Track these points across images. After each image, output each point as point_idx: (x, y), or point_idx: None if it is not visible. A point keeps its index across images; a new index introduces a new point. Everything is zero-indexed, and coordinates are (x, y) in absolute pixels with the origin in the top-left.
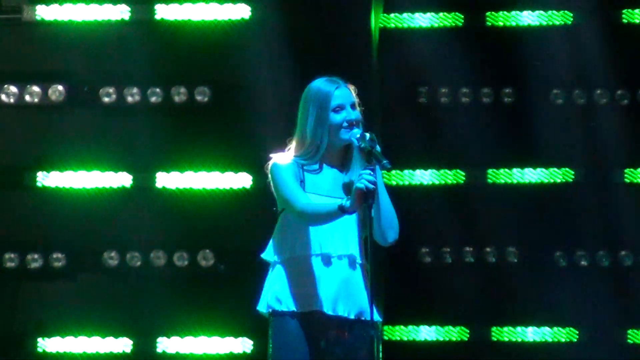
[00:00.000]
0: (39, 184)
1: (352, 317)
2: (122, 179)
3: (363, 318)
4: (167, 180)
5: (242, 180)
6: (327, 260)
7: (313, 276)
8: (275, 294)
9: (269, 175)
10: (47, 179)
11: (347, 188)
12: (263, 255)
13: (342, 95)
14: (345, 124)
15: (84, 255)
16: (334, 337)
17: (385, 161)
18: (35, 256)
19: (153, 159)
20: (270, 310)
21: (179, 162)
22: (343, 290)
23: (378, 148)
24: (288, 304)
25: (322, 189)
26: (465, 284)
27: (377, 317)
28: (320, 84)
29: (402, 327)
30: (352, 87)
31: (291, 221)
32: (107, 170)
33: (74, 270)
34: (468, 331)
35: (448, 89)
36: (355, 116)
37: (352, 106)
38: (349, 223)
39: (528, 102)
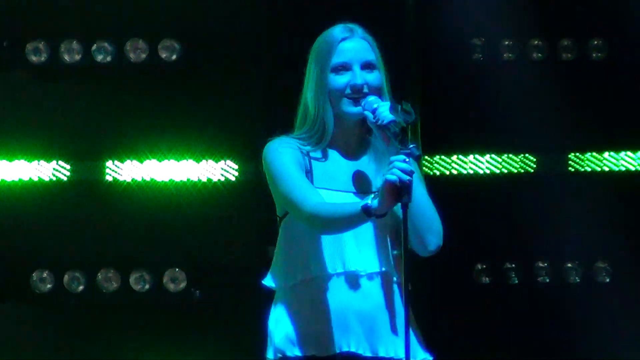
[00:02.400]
0: None
1: (398, 357)
2: (57, 170)
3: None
4: (121, 171)
5: (225, 170)
6: (354, 281)
7: (337, 304)
8: (285, 333)
9: (264, 165)
10: None
11: (366, 181)
12: (265, 282)
13: (348, 50)
14: (348, 91)
15: (5, 277)
16: None
17: (412, 145)
18: None
19: (100, 143)
20: (280, 356)
21: (138, 147)
22: (380, 322)
23: (397, 128)
24: (305, 347)
25: (337, 182)
26: (538, 312)
27: (426, 357)
28: (327, 33)
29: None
30: (372, 40)
31: (299, 230)
32: (36, 159)
33: None
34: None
35: (513, 40)
36: (365, 80)
37: (366, 66)
38: (378, 230)
39: (625, 59)
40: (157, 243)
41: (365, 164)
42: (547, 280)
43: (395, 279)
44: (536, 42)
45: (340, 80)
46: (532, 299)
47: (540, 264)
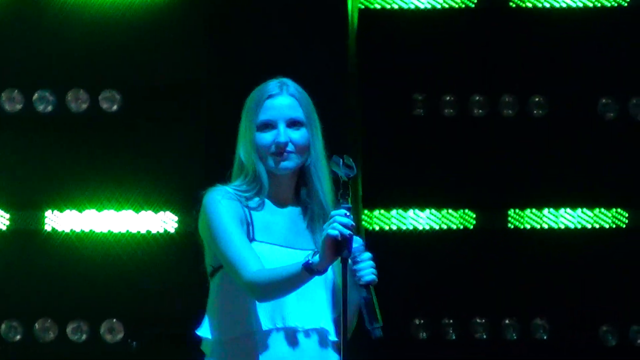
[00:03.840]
0: None
1: None
2: None
3: None
4: (60, 221)
5: (164, 222)
6: (292, 336)
7: (290, 356)
8: None
9: (202, 214)
10: None
11: (302, 234)
12: (199, 332)
13: (274, 107)
14: (272, 149)
15: None
16: None
17: (376, 325)
18: None
19: (39, 192)
20: None
21: (76, 197)
22: None
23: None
24: None
25: (275, 235)
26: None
27: None
28: (257, 89)
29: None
30: (301, 97)
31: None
32: None
33: None
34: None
35: (454, 96)
36: (289, 137)
37: (291, 124)
38: (316, 285)
39: (566, 115)
40: (95, 293)
41: (297, 215)
42: (484, 337)
43: (332, 337)
44: (477, 97)
45: (265, 138)
46: (469, 355)
47: (478, 320)
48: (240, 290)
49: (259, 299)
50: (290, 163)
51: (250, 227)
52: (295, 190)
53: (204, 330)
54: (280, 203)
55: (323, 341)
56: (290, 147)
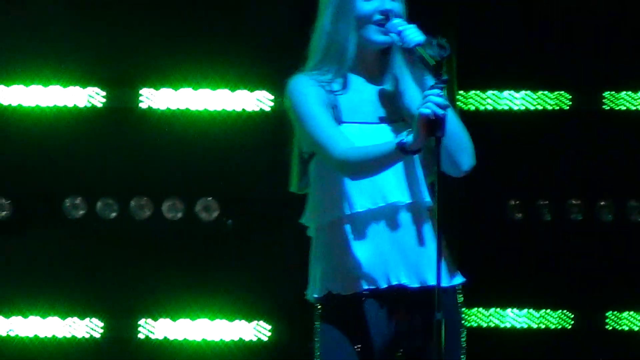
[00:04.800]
0: None
1: (446, 283)
2: (92, 97)
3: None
4: (155, 99)
5: (260, 100)
6: (393, 213)
7: (379, 238)
8: (328, 271)
9: (287, 105)
10: None
11: (393, 108)
12: (302, 220)
13: None
14: (377, 17)
15: (37, 203)
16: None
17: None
18: None
19: (136, 70)
20: (324, 294)
21: (172, 75)
22: (422, 252)
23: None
24: (351, 283)
25: (364, 113)
26: (571, 251)
27: (458, 280)
28: None
29: (481, 310)
30: None
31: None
32: (71, 85)
33: (22, 223)
34: (572, 316)
35: None
36: (393, 6)
37: None
38: (410, 159)
39: None
40: (190, 172)
41: (388, 88)
42: (580, 218)
43: (428, 207)
44: None
45: (368, 5)
46: (564, 236)
47: (574, 202)
48: (336, 174)
49: (351, 177)
50: (399, 21)
51: (337, 110)
52: (381, 64)
53: (306, 218)
54: (367, 77)
55: (422, 213)
56: (392, 16)
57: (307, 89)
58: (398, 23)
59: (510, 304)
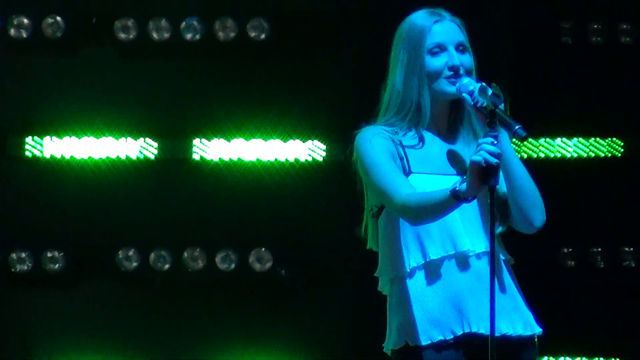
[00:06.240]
0: (27, 153)
1: (517, 333)
2: (144, 148)
3: (529, 333)
4: (208, 150)
5: (312, 150)
6: (464, 261)
7: (453, 287)
8: (405, 322)
9: (355, 156)
10: (40, 146)
11: (462, 163)
12: (378, 274)
13: (443, 32)
14: (447, 72)
15: (90, 255)
16: None
17: (518, 126)
18: (22, 255)
19: (188, 121)
20: (403, 345)
21: (225, 126)
22: (495, 300)
23: (502, 106)
24: (428, 333)
25: (434, 165)
26: (624, 297)
27: (539, 331)
28: (415, 17)
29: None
30: (460, 23)
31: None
32: (124, 136)
33: (76, 275)
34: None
35: (602, 24)
36: (463, 61)
37: (459, 48)
38: (480, 208)
39: None
40: (243, 222)
41: (460, 145)
42: (633, 265)
43: (501, 256)
44: (624, 26)
45: (437, 61)
46: (618, 283)
47: (626, 249)
48: (405, 226)
49: (411, 222)
50: (470, 80)
51: (405, 161)
52: (452, 121)
53: (380, 271)
54: (439, 134)
55: (496, 261)
56: (461, 70)
57: (375, 138)
58: (468, 82)
59: (579, 353)
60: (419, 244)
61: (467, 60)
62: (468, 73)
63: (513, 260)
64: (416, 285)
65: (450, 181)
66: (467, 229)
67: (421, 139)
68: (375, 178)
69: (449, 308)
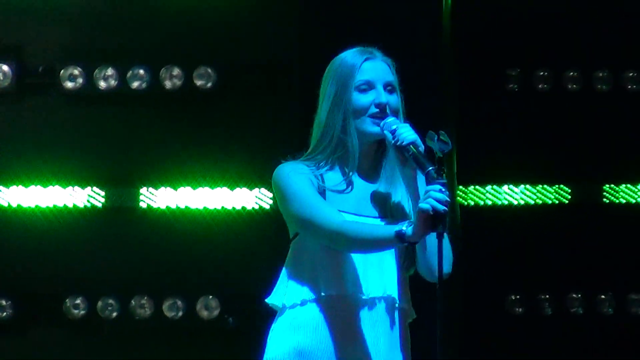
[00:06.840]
0: None
1: None
2: (92, 197)
3: None
4: (155, 198)
5: (259, 198)
6: (358, 303)
7: (341, 325)
8: (286, 349)
9: (274, 188)
10: None
11: (382, 205)
12: (269, 300)
13: (372, 70)
14: (373, 110)
15: (38, 303)
16: None
17: (431, 168)
18: None
19: (135, 169)
20: None
21: (171, 174)
22: (382, 346)
23: (422, 148)
24: None
25: (348, 204)
26: (570, 343)
27: None
28: (347, 54)
29: None
30: (392, 64)
31: (309, 251)
32: (71, 185)
33: (24, 323)
34: None
35: (549, 71)
36: (390, 100)
37: (387, 87)
38: (387, 253)
39: None
40: (190, 270)
41: (383, 185)
42: (581, 312)
43: (398, 304)
44: (571, 73)
45: (364, 98)
46: (565, 330)
47: (574, 295)
48: (308, 256)
49: (342, 249)
50: (394, 120)
51: (324, 196)
52: (375, 161)
53: (275, 297)
54: (360, 170)
55: (390, 308)
56: (387, 110)
57: (294, 170)
58: (392, 122)
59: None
60: (316, 279)
61: (394, 100)
62: (394, 113)
63: (415, 315)
64: (304, 317)
65: (384, 225)
66: (367, 271)
67: (344, 178)
68: (299, 207)
69: (330, 344)
